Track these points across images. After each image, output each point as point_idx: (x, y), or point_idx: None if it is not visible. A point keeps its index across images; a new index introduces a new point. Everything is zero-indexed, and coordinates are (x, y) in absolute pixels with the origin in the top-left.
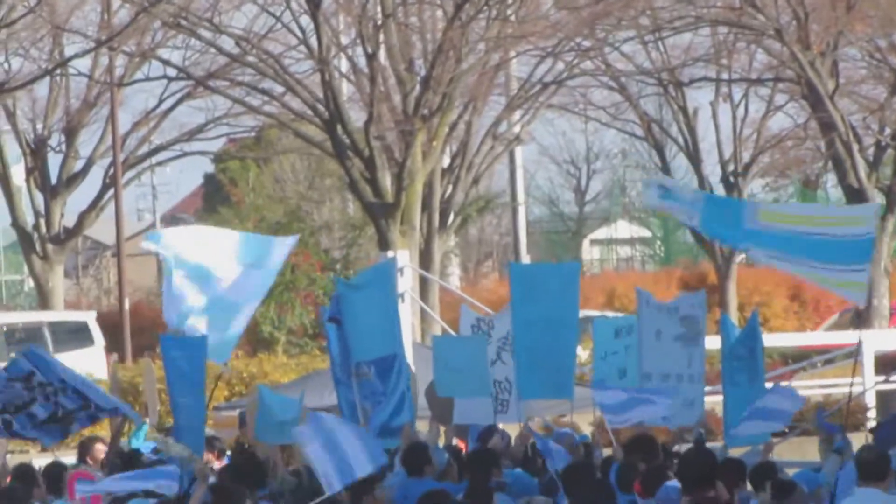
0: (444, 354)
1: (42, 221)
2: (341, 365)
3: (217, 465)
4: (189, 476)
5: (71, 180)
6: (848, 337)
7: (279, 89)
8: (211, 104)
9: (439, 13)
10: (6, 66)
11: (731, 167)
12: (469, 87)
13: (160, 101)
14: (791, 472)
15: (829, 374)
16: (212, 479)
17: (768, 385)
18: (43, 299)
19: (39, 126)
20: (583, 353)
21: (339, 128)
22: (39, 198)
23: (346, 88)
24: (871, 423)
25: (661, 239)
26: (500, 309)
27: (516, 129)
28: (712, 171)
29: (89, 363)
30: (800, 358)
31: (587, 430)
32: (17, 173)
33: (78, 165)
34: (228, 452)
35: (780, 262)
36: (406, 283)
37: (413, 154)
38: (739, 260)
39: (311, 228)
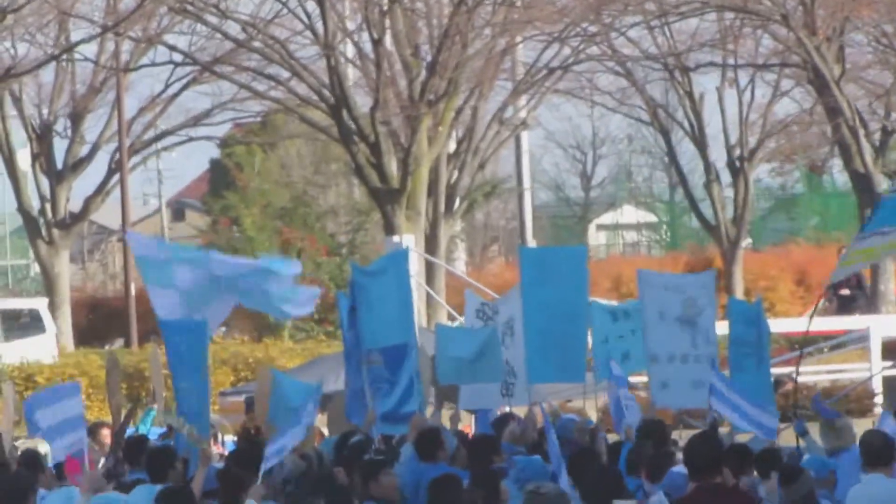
0: (447, 343)
1: (48, 206)
2: (353, 350)
3: (215, 449)
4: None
5: (77, 165)
6: (855, 322)
7: (285, 74)
8: (217, 89)
9: None
10: (12, 51)
11: (736, 152)
12: (475, 72)
13: (166, 87)
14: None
15: (835, 359)
16: (218, 465)
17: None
18: (48, 284)
19: (45, 111)
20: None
21: (344, 113)
22: (45, 183)
23: (351, 73)
24: (878, 409)
25: (667, 224)
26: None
27: (522, 114)
28: (718, 157)
29: (40, 351)
30: (806, 343)
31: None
32: (23, 158)
33: (84, 150)
34: (232, 438)
35: None
36: (412, 268)
37: (419, 139)
38: (745, 245)
39: (316, 213)
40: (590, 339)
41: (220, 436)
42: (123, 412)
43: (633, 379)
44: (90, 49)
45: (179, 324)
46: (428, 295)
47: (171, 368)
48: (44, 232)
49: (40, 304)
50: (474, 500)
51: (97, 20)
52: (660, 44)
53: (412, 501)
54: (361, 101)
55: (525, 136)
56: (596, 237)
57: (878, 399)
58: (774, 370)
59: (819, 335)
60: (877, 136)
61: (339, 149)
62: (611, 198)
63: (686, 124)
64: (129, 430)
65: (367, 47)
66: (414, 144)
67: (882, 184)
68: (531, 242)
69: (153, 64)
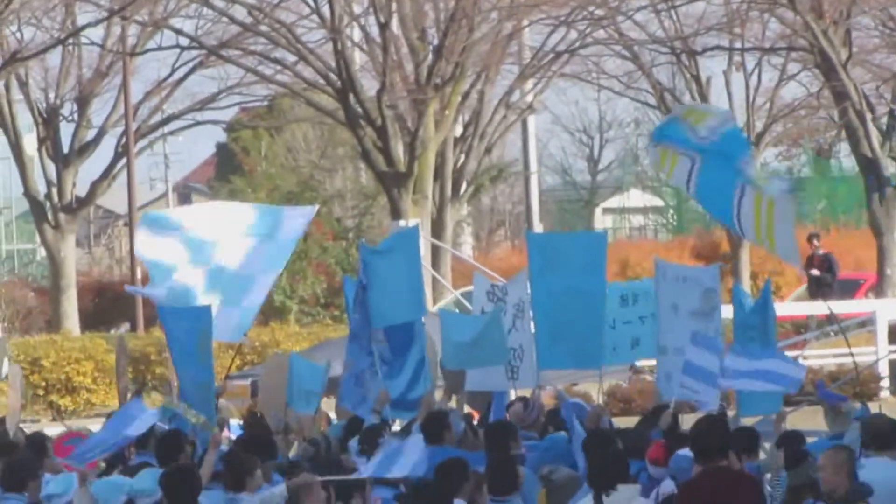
0: (453, 328)
1: (54, 191)
2: (362, 329)
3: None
4: (203, 444)
5: (83, 150)
6: (862, 306)
7: (291, 58)
8: (223, 73)
9: None
10: (19, 35)
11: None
12: (482, 56)
13: (172, 71)
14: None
15: (841, 343)
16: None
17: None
18: (54, 269)
19: (52, 95)
20: None
21: (351, 97)
22: (51, 167)
23: (358, 57)
24: (885, 393)
25: (673, 208)
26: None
27: (529, 97)
28: None
29: None
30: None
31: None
32: (30, 143)
33: (90, 135)
34: (237, 422)
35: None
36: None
37: (425, 123)
38: None
39: (323, 197)
40: None
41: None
42: (130, 396)
43: (642, 363)
44: (96, 33)
45: (179, 311)
46: (434, 279)
47: (173, 354)
48: (50, 216)
49: None
50: (481, 483)
51: (103, 4)
52: (667, 27)
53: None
54: (368, 85)
55: (532, 119)
56: (602, 221)
57: (885, 383)
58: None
59: (825, 318)
60: (884, 120)
61: (345, 133)
62: (617, 181)
63: None
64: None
65: (374, 31)
66: (420, 128)
67: (889, 168)
68: (538, 226)
69: (159, 48)
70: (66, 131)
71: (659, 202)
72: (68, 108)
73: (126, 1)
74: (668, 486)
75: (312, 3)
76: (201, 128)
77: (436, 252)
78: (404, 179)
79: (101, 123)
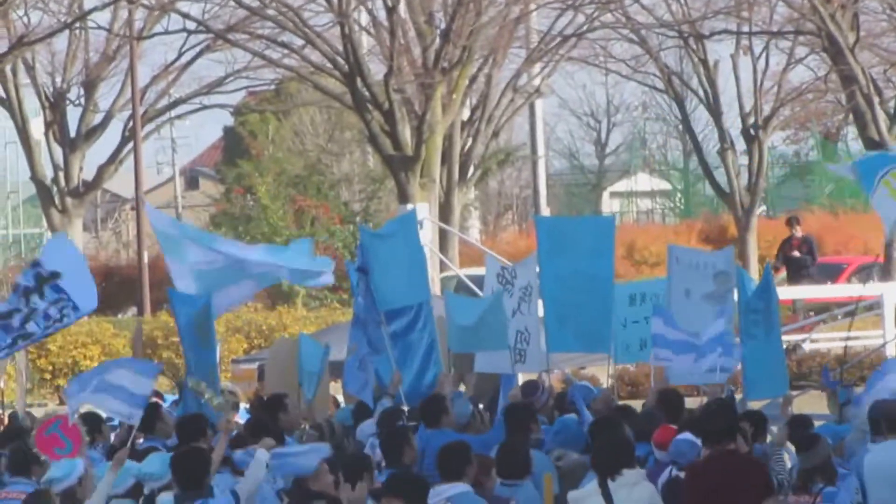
0: (457, 311)
1: (61, 175)
2: (367, 314)
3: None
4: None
5: (90, 134)
6: (869, 290)
7: (299, 42)
8: (230, 57)
9: None
10: (25, 19)
11: (751, 120)
12: (489, 40)
13: (179, 55)
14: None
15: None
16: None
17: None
18: None
19: (59, 79)
20: None
21: (358, 81)
22: (58, 151)
23: (365, 41)
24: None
25: (681, 191)
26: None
27: (536, 81)
28: (733, 124)
29: None
30: (820, 310)
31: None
32: (37, 127)
33: (97, 119)
34: (244, 405)
35: None
36: (426, 235)
37: (433, 107)
38: (760, 212)
39: (330, 181)
40: None
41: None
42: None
43: None
44: (103, 17)
45: (185, 296)
46: (441, 263)
47: (181, 337)
48: (57, 200)
49: None
50: (489, 466)
51: None
52: (674, 11)
53: (416, 467)
54: (375, 69)
55: (539, 103)
56: (610, 205)
57: None
58: (788, 337)
59: (832, 302)
60: (891, 104)
61: (352, 117)
62: (625, 165)
63: (700, 92)
64: None
65: (381, 15)
66: (428, 112)
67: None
68: (545, 210)
69: (166, 32)
70: (72, 115)
71: (667, 186)
72: (75, 92)
73: None
74: (672, 472)
75: None
76: (208, 112)
77: (443, 236)
78: (412, 163)
79: (108, 107)
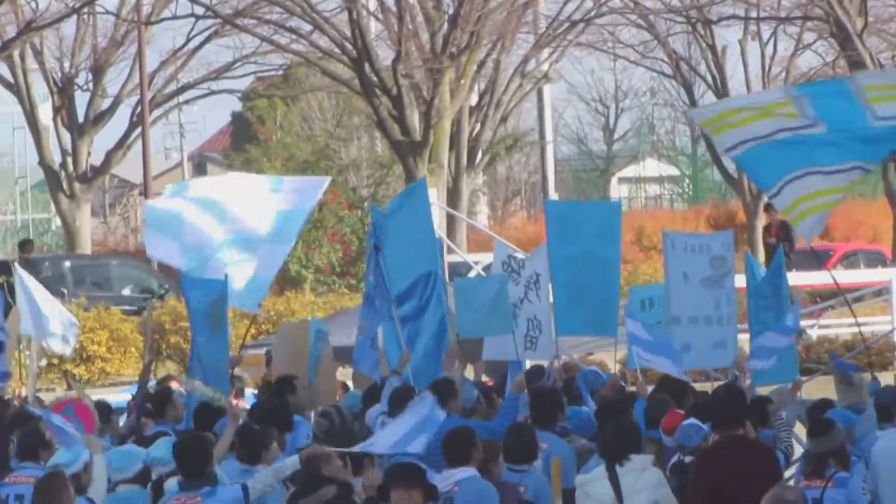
0: (465, 296)
1: (69, 160)
2: (378, 292)
3: (236, 404)
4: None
5: (98, 119)
6: (878, 275)
7: (307, 27)
8: (238, 42)
9: None
10: (34, 4)
11: None
12: (497, 25)
13: (188, 40)
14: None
15: (858, 312)
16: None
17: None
18: (70, 238)
19: (67, 65)
20: None
21: (366, 66)
22: (66, 136)
23: (373, 27)
24: None
25: (689, 177)
26: (530, 247)
27: (544, 67)
28: None
29: None
30: (828, 296)
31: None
32: (45, 112)
33: (105, 104)
34: (252, 391)
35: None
36: (434, 221)
37: (441, 92)
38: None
39: (338, 167)
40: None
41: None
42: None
43: None
44: (111, 2)
45: (198, 281)
46: (449, 248)
47: (190, 322)
48: (65, 186)
49: None
50: (496, 451)
51: None
52: None
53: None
54: (383, 54)
55: (547, 89)
56: (618, 190)
57: None
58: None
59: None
60: None
61: (360, 102)
62: (633, 151)
63: (709, 77)
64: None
65: (390, 0)
66: (436, 97)
67: None
68: (553, 196)
69: (174, 17)
70: (81, 100)
71: (675, 171)
72: (83, 78)
73: None
74: (678, 457)
75: None
76: (216, 97)
77: (451, 221)
78: (420, 148)
79: (116, 93)
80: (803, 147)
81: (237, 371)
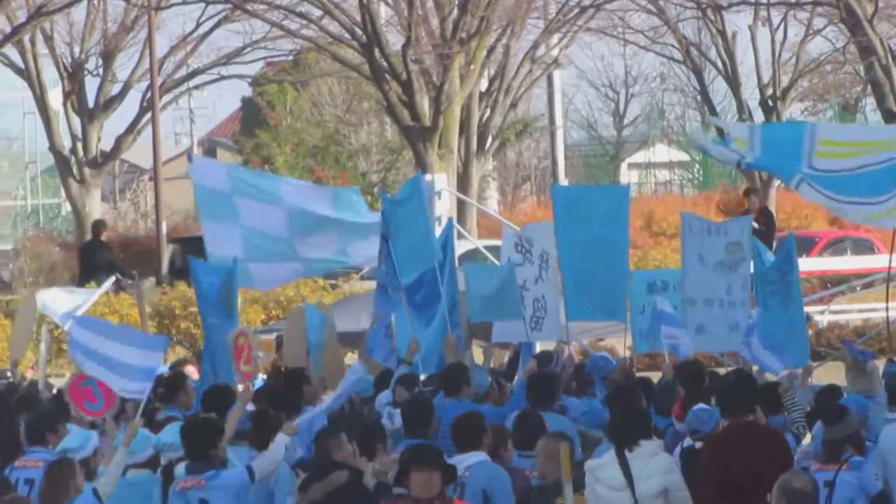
0: (475, 281)
1: (79, 145)
2: (390, 280)
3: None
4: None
5: (108, 104)
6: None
7: (317, 13)
8: (248, 28)
9: None
10: None
11: (769, 91)
12: (507, 11)
13: (198, 25)
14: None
15: (869, 297)
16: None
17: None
18: (79, 223)
19: (77, 50)
20: None
21: (376, 51)
22: (76, 122)
23: (383, 12)
24: None
25: (699, 163)
26: None
27: (554, 52)
28: (751, 95)
29: None
30: (839, 282)
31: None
32: (55, 97)
33: (115, 89)
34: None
35: (826, 201)
36: (444, 206)
37: (451, 77)
38: (778, 184)
39: (348, 152)
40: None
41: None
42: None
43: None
44: None
45: (208, 266)
46: (459, 234)
47: (199, 306)
48: (75, 171)
49: None
50: (505, 437)
51: None
52: None
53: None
54: (393, 40)
55: (557, 74)
56: (628, 176)
57: None
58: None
59: (851, 273)
60: None
61: (370, 87)
62: (643, 136)
63: (719, 63)
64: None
65: None
66: (446, 83)
67: None
68: (563, 181)
69: (185, 2)
70: (91, 86)
71: (685, 157)
72: (93, 63)
73: None
74: (685, 443)
75: None
76: (226, 82)
77: (461, 207)
78: (429, 134)
79: (126, 78)
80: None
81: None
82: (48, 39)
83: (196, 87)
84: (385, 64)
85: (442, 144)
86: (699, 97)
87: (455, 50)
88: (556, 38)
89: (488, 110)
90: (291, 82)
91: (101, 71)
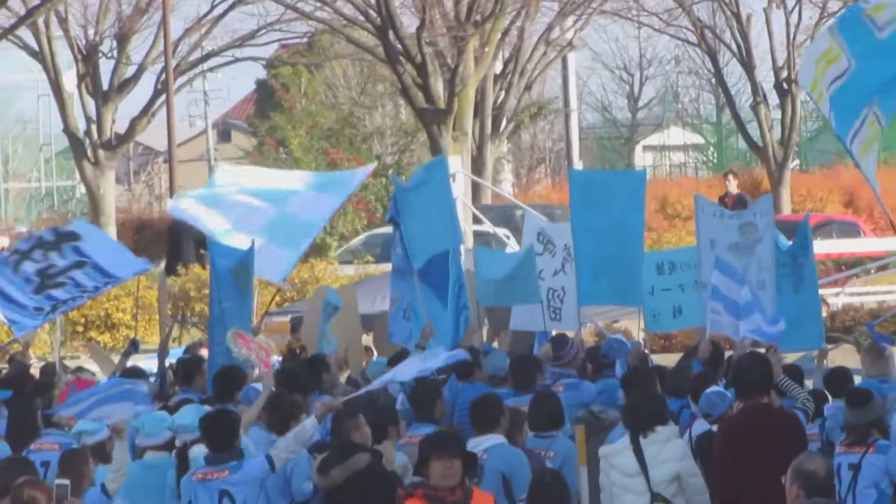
0: (486, 265)
1: (93, 127)
2: (405, 264)
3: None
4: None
5: (122, 86)
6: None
7: None
8: (263, 10)
9: None
10: None
11: (784, 74)
12: None
13: (212, 7)
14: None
15: (883, 280)
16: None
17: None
18: (94, 205)
19: (91, 32)
20: None
21: (391, 33)
22: (91, 104)
23: None
24: None
25: (714, 145)
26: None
27: (569, 34)
28: (765, 78)
29: None
30: (853, 264)
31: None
32: (69, 79)
33: (129, 71)
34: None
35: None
36: (458, 188)
37: (465, 60)
38: (793, 166)
39: (362, 134)
40: None
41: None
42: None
43: None
44: None
45: (226, 248)
46: (474, 216)
47: (214, 289)
48: (89, 153)
49: None
50: (521, 420)
51: None
52: None
53: (447, 420)
54: (408, 22)
55: (571, 57)
56: (642, 158)
57: None
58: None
59: (866, 256)
60: None
61: (385, 70)
62: (657, 119)
63: (733, 45)
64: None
65: None
66: (460, 65)
67: None
68: (578, 164)
69: None
70: (105, 68)
71: (699, 140)
72: (108, 45)
73: None
74: (701, 426)
75: None
76: (241, 64)
77: (476, 189)
78: (444, 116)
79: (141, 60)
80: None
81: (262, 338)
82: (62, 22)
83: (210, 70)
84: (399, 46)
85: (456, 127)
86: (713, 80)
87: (469, 32)
88: (570, 20)
89: (503, 93)
90: (306, 65)
91: (115, 53)
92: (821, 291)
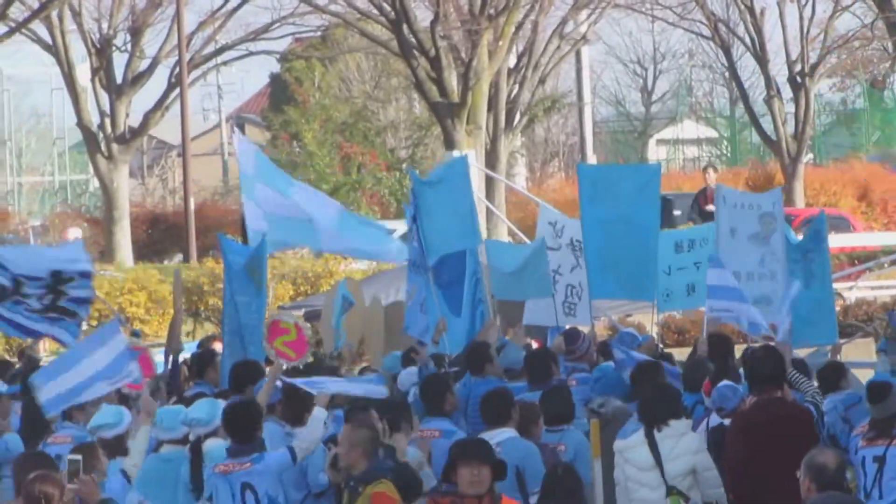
0: (497, 257)
1: (107, 121)
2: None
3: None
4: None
5: (136, 80)
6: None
7: None
8: (277, 3)
9: None
10: None
11: (797, 67)
12: None
13: (226, 1)
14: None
15: (890, 275)
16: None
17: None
18: (107, 199)
19: (105, 25)
20: None
21: (405, 27)
22: (105, 97)
23: None
24: None
25: (727, 139)
26: (568, 208)
27: (583, 28)
28: (779, 72)
29: None
30: (867, 258)
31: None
32: (83, 73)
33: (143, 65)
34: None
35: None
36: (472, 182)
37: (479, 54)
38: (806, 160)
39: (376, 128)
40: None
41: None
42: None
43: None
44: None
45: (236, 245)
46: (488, 210)
47: (227, 283)
48: (103, 147)
49: None
50: (535, 414)
51: None
52: None
53: (460, 414)
54: (422, 15)
55: (585, 50)
56: (656, 152)
57: None
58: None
59: (879, 250)
60: None
61: (399, 63)
62: (671, 113)
63: (747, 39)
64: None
65: None
66: (474, 59)
67: None
68: (591, 157)
69: None
70: (119, 62)
71: (713, 133)
72: (121, 39)
73: None
74: (715, 421)
75: None
76: (254, 58)
77: (490, 183)
78: (458, 110)
79: (155, 54)
80: None
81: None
82: (76, 15)
83: (224, 63)
84: (413, 40)
85: (470, 121)
86: (727, 73)
87: (483, 26)
88: (584, 14)
89: (517, 86)
90: (319, 58)
91: (129, 47)
92: (834, 286)
